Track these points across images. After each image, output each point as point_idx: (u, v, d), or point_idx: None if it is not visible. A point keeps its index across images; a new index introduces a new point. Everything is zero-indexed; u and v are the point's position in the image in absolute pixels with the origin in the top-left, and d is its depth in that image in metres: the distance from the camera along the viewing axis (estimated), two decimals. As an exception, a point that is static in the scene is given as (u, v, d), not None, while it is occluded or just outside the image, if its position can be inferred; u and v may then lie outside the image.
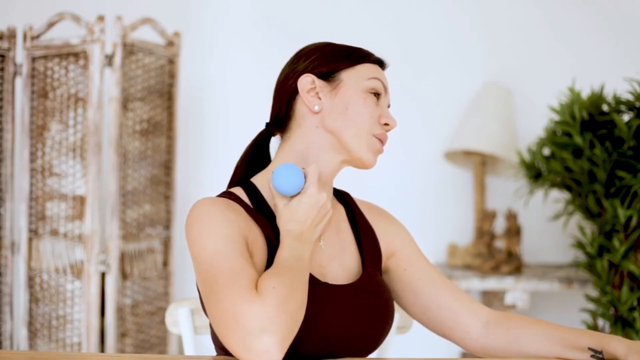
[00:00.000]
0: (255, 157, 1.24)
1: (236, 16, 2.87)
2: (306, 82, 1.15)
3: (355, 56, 1.17)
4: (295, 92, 1.16)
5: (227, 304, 0.95)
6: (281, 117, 1.18)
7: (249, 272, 0.99)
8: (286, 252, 1.05)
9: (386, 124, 1.16)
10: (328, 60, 1.16)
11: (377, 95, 1.17)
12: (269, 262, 1.09)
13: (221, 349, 1.13)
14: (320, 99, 1.15)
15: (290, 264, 1.02)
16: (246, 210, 1.11)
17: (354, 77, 1.15)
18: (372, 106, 1.15)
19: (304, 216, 1.08)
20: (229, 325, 0.94)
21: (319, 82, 1.15)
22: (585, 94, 2.24)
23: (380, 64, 1.21)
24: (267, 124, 1.21)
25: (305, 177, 1.11)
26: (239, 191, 1.16)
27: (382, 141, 1.16)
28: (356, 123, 1.13)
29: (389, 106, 1.20)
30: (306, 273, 1.03)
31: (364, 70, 1.16)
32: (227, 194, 1.14)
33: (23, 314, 2.38)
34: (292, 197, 1.10)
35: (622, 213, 2.01)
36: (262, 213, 1.13)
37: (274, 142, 1.24)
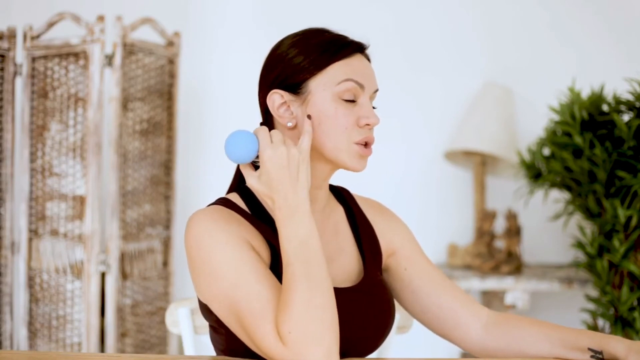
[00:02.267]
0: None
1: (236, 16, 2.87)
2: (275, 99, 1.09)
3: (322, 60, 1.08)
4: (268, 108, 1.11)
5: (261, 347, 0.98)
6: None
7: (269, 308, 0.97)
8: (286, 246, 1.00)
9: (368, 124, 1.08)
10: (293, 70, 1.08)
11: (352, 97, 1.08)
12: (273, 266, 1.07)
13: (220, 350, 1.13)
14: (293, 113, 1.09)
15: (293, 271, 0.98)
16: (245, 217, 1.09)
17: (323, 85, 1.07)
18: (346, 113, 1.07)
19: (278, 182, 1.01)
20: (268, 357, 0.98)
21: (288, 96, 1.08)
22: (585, 94, 2.24)
23: (359, 50, 1.12)
24: (261, 124, 1.17)
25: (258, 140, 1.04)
26: (234, 197, 1.13)
27: (366, 144, 1.09)
28: (331, 137, 1.07)
29: (376, 91, 1.12)
30: (314, 258, 0.99)
31: (333, 73, 1.08)
32: (222, 201, 1.12)
33: (23, 314, 2.38)
34: (256, 167, 1.05)
35: (622, 213, 2.01)
36: (261, 218, 1.11)
37: None
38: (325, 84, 1.08)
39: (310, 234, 1.01)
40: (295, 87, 1.09)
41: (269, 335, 0.96)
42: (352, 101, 1.09)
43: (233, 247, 1.02)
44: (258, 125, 1.19)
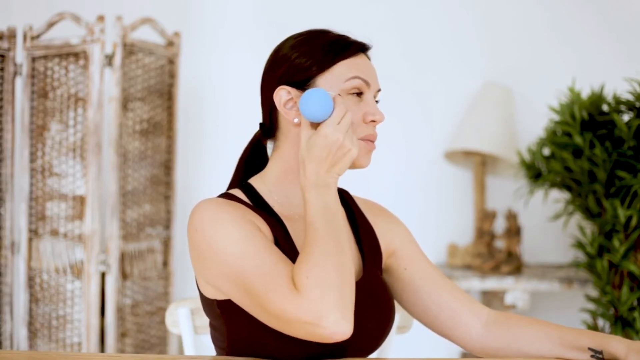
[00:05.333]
0: (253, 159, 1.22)
1: (236, 16, 2.87)
2: (282, 95, 1.11)
3: (329, 58, 1.10)
4: (274, 104, 1.12)
5: (275, 309, 0.96)
6: (268, 127, 1.16)
7: (280, 268, 0.98)
8: (311, 208, 1.03)
9: (373, 121, 1.11)
10: (301, 68, 1.10)
11: (359, 93, 1.11)
12: None
13: (221, 348, 1.13)
14: (299, 109, 1.10)
15: (316, 228, 1.00)
16: (249, 209, 1.10)
17: (330, 82, 1.09)
18: (354, 109, 1.10)
19: (318, 155, 1.05)
20: (287, 325, 0.96)
21: (295, 92, 1.10)
22: (585, 94, 2.24)
23: (362, 49, 1.14)
24: (261, 124, 1.18)
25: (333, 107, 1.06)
26: (237, 192, 1.15)
27: (371, 140, 1.12)
28: None
29: (379, 90, 1.15)
30: (336, 224, 1.02)
31: (341, 70, 1.10)
32: (225, 196, 1.13)
33: (23, 314, 2.38)
34: (318, 126, 1.07)
35: (622, 213, 2.01)
36: (265, 211, 1.13)
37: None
38: (333, 82, 1.10)
39: (334, 202, 1.04)
40: (302, 84, 1.10)
41: (281, 288, 0.96)
42: (359, 98, 1.11)
43: (238, 224, 1.03)
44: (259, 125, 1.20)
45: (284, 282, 0.96)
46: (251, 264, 0.99)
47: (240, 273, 1.00)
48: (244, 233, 1.02)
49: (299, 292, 0.95)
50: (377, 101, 1.15)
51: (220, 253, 1.02)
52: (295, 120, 1.11)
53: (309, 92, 1.06)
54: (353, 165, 1.11)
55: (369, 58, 1.16)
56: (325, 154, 1.05)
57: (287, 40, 1.15)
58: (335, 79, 1.10)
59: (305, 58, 1.10)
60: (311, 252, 0.98)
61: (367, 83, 1.11)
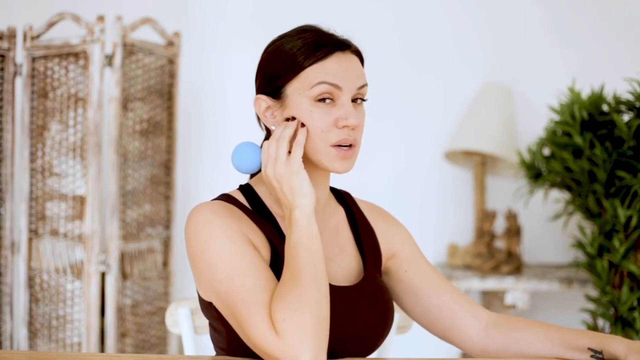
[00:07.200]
0: None
1: (236, 16, 2.87)
2: (260, 104, 1.12)
3: (295, 66, 1.07)
4: None
5: (252, 339, 0.98)
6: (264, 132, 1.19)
7: (264, 297, 0.99)
8: (286, 249, 1.04)
9: (346, 125, 1.07)
10: (270, 77, 1.10)
11: (329, 98, 1.07)
12: (273, 263, 1.08)
13: (221, 349, 1.13)
14: (276, 117, 1.11)
15: (291, 270, 1.01)
16: (246, 214, 1.10)
17: (298, 89, 1.08)
18: (322, 116, 1.06)
19: (279, 197, 1.08)
20: (260, 352, 0.98)
21: (270, 101, 1.11)
22: (585, 94, 2.24)
23: (338, 49, 1.09)
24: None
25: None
26: (237, 194, 1.15)
27: (347, 146, 1.08)
28: (309, 140, 1.07)
29: (364, 86, 1.10)
30: (312, 260, 1.01)
31: (307, 77, 1.07)
32: (224, 197, 1.13)
33: (23, 314, 2.38)
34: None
35: (622, 213, 2.01)
36: (262, 215, 1.13)
37: None
38: (300, 89, 1.08)
39: (311, 237, 1.04)
40: (275, 92, 1.11)
41: (261, 324, 0.97)
42: (331, 102, 1.08)
43: (231, 239, 1.04)
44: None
45: (264, 316, 0.97)
46: (237, 287, 1.00)
47: (226, 292, 1.01)
48: (235, 250, 1.03)
49: (276, 334, 0.96)
50: (363, 99, 1.11)
51: (211, 268, 1.03)
52: (273, 127, 1.12)
53: (233, 153, 1.10)
54: (330, 171, 1.12)
55: (358, 54, 1.13)
56: (281, 193, 1.07)
57: (267, 46, 1.14)
58: (302, 86, 1.08)
59: (274, 66, 1.10)
60: (287, 291, 0.98)
61: (336, 87, 1.07)
